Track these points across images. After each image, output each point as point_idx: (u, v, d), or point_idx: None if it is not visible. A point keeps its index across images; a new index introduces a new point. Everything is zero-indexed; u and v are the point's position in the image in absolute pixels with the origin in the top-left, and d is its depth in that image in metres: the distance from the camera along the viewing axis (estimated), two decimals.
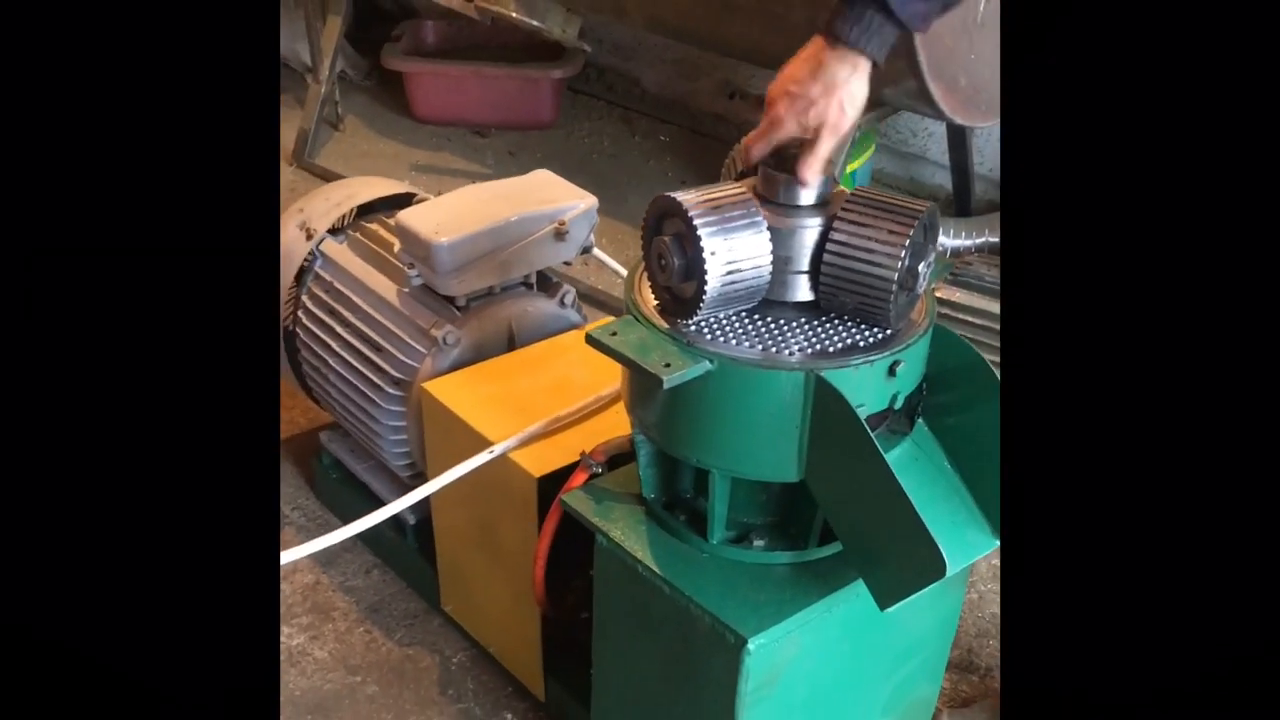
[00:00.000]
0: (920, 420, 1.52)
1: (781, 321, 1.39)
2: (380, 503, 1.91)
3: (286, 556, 1.77)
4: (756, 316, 1.40)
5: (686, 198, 1.33)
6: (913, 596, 1.32)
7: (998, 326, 2.57)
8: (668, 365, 1.32)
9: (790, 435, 1.36)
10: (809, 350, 1.35)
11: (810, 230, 1.36)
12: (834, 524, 1.42)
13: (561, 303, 2.16)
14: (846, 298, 1.36)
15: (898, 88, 2.84)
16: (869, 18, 1.35)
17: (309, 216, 2.31)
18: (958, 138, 3.57)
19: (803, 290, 1.40)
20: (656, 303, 1.42)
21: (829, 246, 1.35)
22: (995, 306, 2.60)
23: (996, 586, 2.42)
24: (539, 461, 1.79)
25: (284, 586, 2.31)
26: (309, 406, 2.61)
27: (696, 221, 1.30)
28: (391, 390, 2.08)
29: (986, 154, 3.81)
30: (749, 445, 1.39)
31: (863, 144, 3.40)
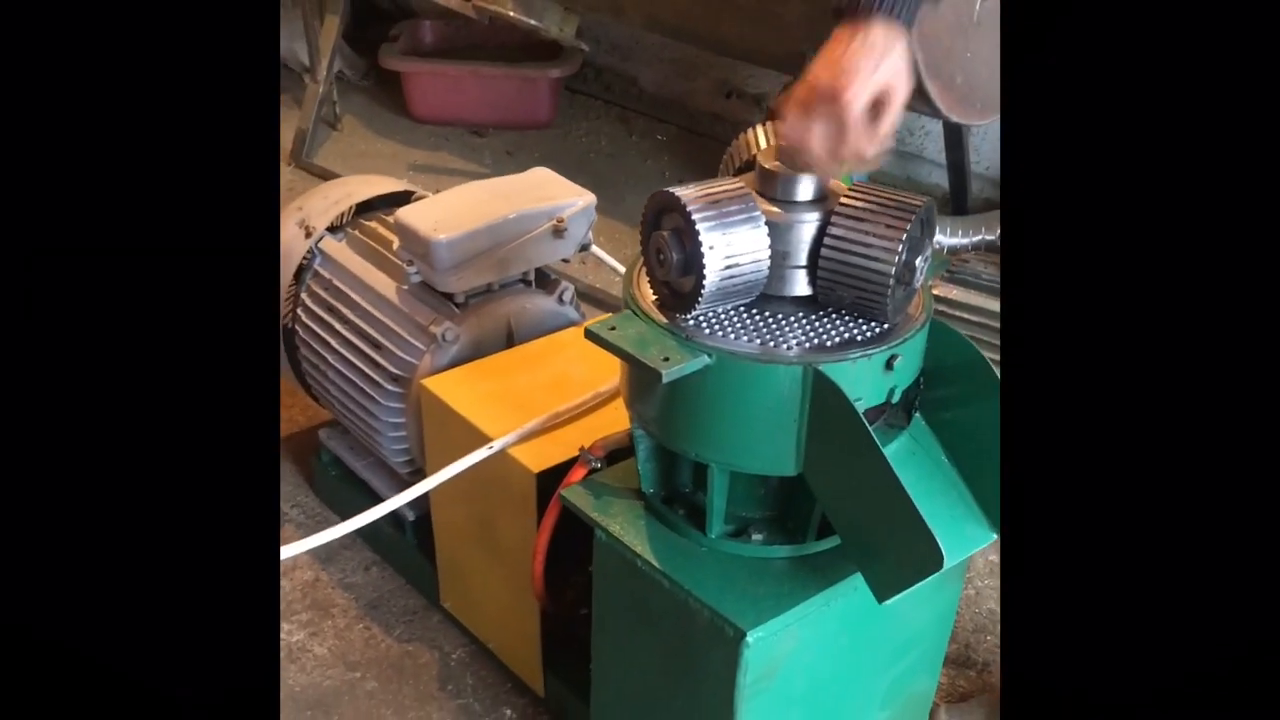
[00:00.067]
0: (918, 415, 1.52)
1: (779, 316, 1.40)
2: (379, 499, 1.91)
3: (285, 552, 1.77)
4: (754, 311, 1.41)
5: (685, 193, 1.34)
6: (910, 589, 1.33)
7: (995, 324, 2.59)
8: (666, 359, 1.33)
9: (788, 429, 1.37)
10: (807, 344, 1.36)
11: (808, 225, 1.37)
12: (832, 517, 1.42)
13: (560, 300, 2.17)
14: (844, 292, 1.37)
15: None
16: None
17: (308, 215, 2.31)
18: (954, 136, 3.58)
19: (801, 285, 1.40)
20: (655, 297, 1.43)
21: (827, 241, 1.36)
22: (992, 304, 2.62)
23: (994, 582, 2.43)
24: (538, 457, 1.79)
25: (283, 583, 2.32)
26: (308, 404, 2.62)
27: (695, 216, 1.31)
28: (390, 387, 2.08)
29: (983, 152, 3.82)
30: (747, 439, 1.39)
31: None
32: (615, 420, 1.80)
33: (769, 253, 1.35)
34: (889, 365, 1.37)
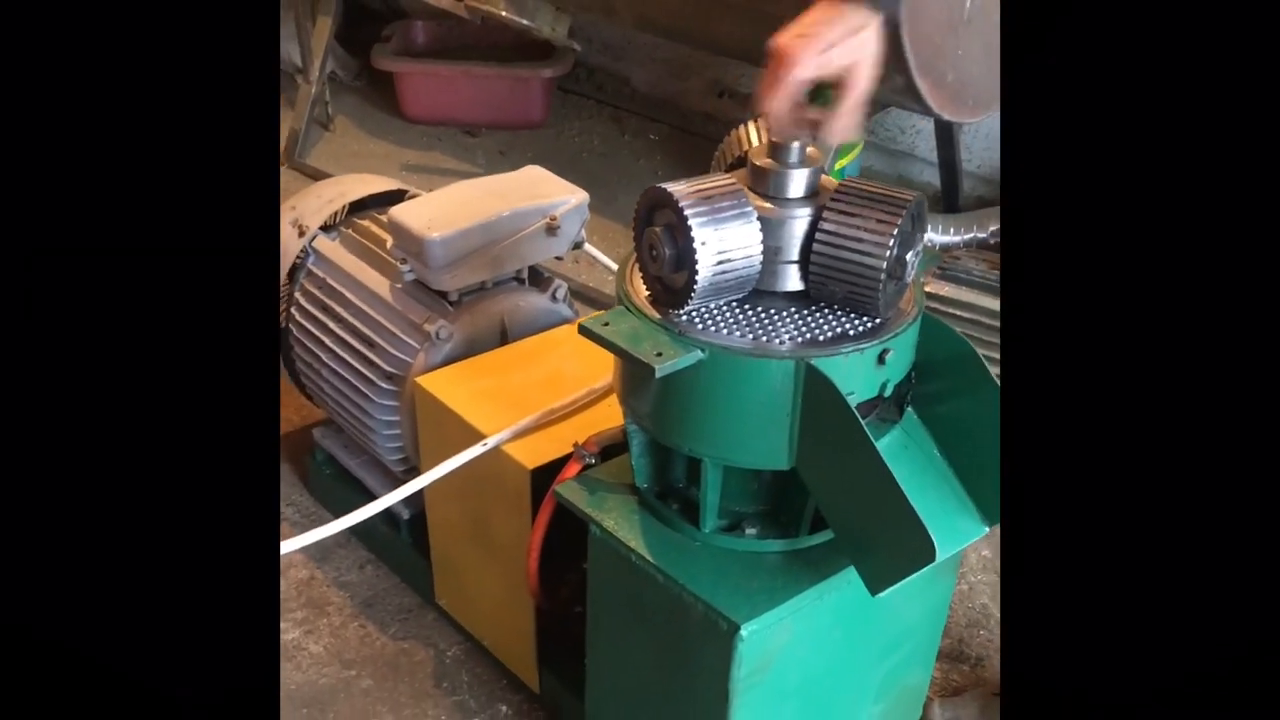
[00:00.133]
0: (910, 409, 1.53)
1: (772, 311, 1.41)
2: (374, 498, 1.92)
3: (280, 550, 1.78)
4: (747, 306, 1.41)
5: (677, 189, 1.34)
6: (903, 582, 1.34)
7: (987, 320, 2.60)
8: (659, 354, 1.34)
9: (781, 423, 1.37)
10: (799, 339, 1.37)
11: (800, 220, 1.38)
12: (825, 511, 1.43)
13: (553, 297, 2.18)
14: (836, 287, 1.38)
15: (886, 84, 2.85)
16: None
17: (301, 214, 2.32)
18: (945, 134, 3.59)
19: (793, 280, 1.41)
20: (648, 293, 1.43)
21: (818, 236, 1.36)
22: (984, 300, 2.63)
23: (987, 577, 2.44)
24: (532, 454, 1.80)
25: None
26: (302, 403, 2.62)
27: (687, 212, 1.32)
28: (385, 385, 2.09)
29: (974, 150, 3.83)
30: (740, 434, 1.40)
31: (851, 142, 3.42)
32: (609, 417, 1.81)
33: (761, 248, 1.36)
34: (881, 359, 1.38)
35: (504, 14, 3.60)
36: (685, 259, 1.34)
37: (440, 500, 2.07)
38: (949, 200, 3.75)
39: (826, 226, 1.36)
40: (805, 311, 1.41)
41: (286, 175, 4.03)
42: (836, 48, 1.33)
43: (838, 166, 3.33)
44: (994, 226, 3.45)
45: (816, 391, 1.33)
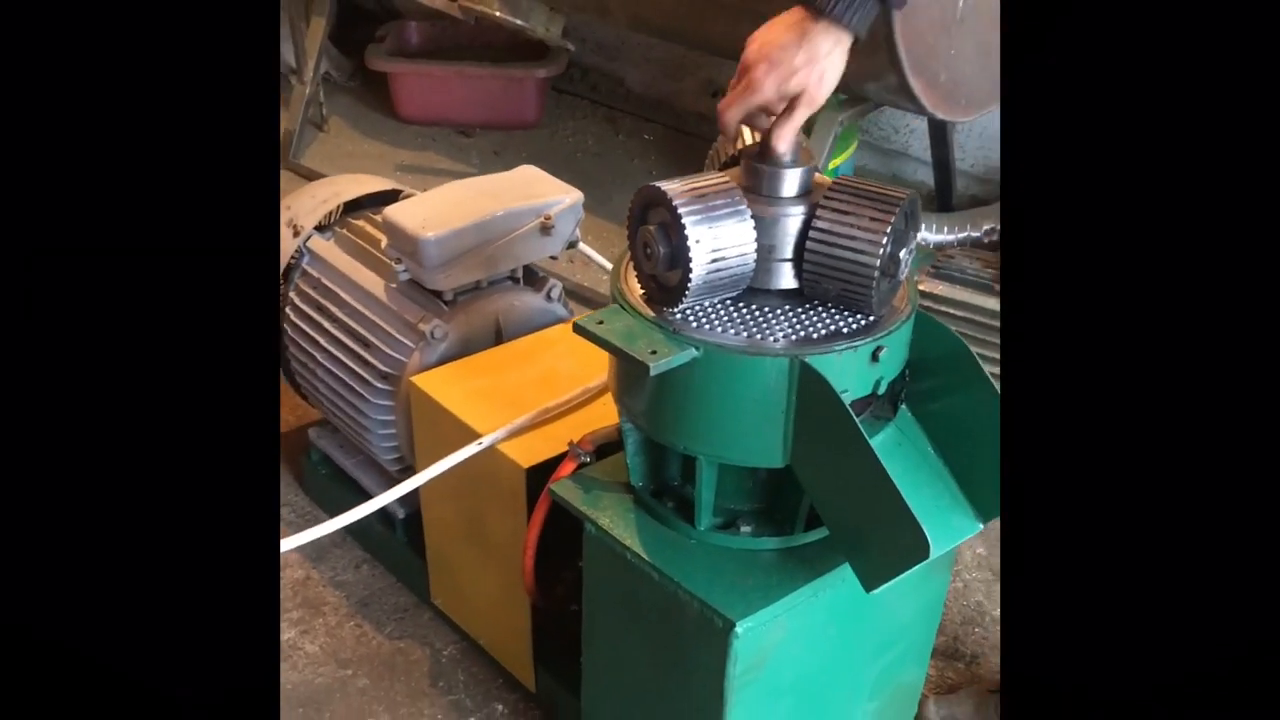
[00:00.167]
0: (904, 406, 1.54)
1: (766, 309, 1.41)
2: (369, 498, 1.92)
3: None
4: (741, 304, 1.42)
5: (671, 187, 1.35)
6: (898, 579, 1.34)
7: (981, 319, 2.60)
8: (654, 352, 1.34)
9: (776, 421, 1.38)
10: (793, 337, 1.37)
11: (793, 218, 1.38)
12: (819, 508, 1.43)
13: (548, 297, 2.18)
14: (830, 284, 1.38)
15: (879, 83, 2.86)
16: None
17: (296, 214, 2.32)
18: (939, 133, 3.60)
19: (787, 278, 1.41)
20: (642, 291, 1.44)
21: (812, 234, 1.37)
22: (978, 299, 2.63)
23: (982, 575, 2.45)
24: (527, 452, 1.80)
25: None
26: (297, 403, 2.62)
27: (681, 210, 1.32)
28: (380, 385, 2.09)
29: (968, 149, 3.84)
30: (735, 431, 1.41)
31: (845, 140, 3.43)
32: (604, 416, 1.81)
33: (755, 246, 1.37)
34: (875, 357, 1.38)
35: (498, 14, 3.60)
36: (679, 257, 1.34)
37: (436, 499, 2.07)
38: (943, 199, 3.76)
39: (820, 224, 1.36)
40: (799, 309, 1.41)
41: (281, 176, 4.03)
42: (796, 75, 1.39)
43: (831, 166, 3.33)
44: (988, 225, 3.46)
45: (811, 389, 1.34)
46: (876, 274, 1.34)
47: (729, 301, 1.42)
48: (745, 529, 1.53)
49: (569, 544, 1.68)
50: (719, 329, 1.38)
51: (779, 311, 1.41)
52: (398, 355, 2.07)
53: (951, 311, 2.69)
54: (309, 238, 2.28)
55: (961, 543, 2.13)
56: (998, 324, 2.55)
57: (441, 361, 2.04)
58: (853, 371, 1.37)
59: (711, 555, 1.52)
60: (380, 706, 2.10)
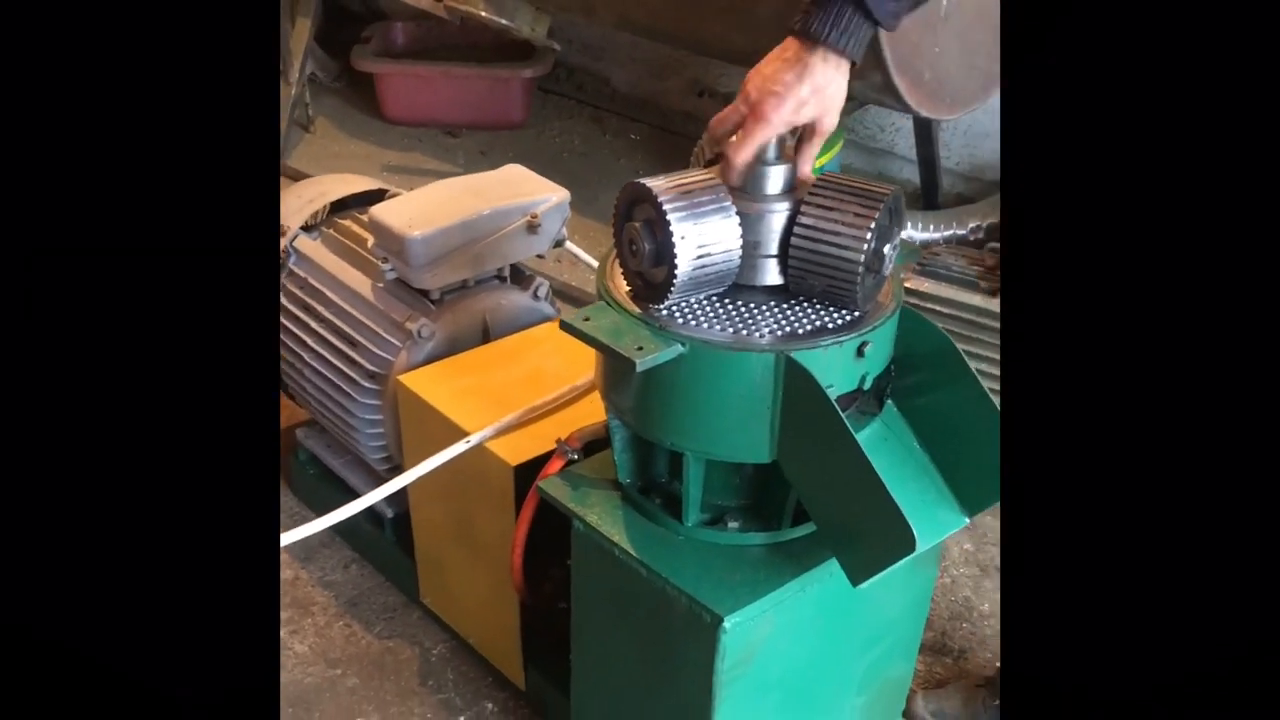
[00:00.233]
0: (889, 402, 1.54)
1: (752, 305, 1.42)
2: (358, 498, 1.92)
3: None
4: (727, 300, 1.42)
5: (656, 184, 1.35)
6: (884, 573, 1.35)
7: (967, 316, 2.61)
8: (640, 349, 1.34)
9: (762, 416, 1.38)
10: (779, 332, 1.38)
11: (778, 215, 1.39)
12: (806, 503, 1.44)
13: (535, 295, 2.18)
14: (815, 280, 1.39)
15: (864, 82, 2.87)
16: (847, 18, 1.36)
17: (282, 214, 2.32)
18: (924, 132, 3.61)
19: (772, 274, 1.42)
20: (628, 288, 1.44)
21: (797, 230, 1.37)
22: (963, 296, 2.64)
23: (970, 571, 2.46)
24: (515, 451, 1.80)
25: None
26: (285, 403, 2.62)
27: (666, 207, 1.33)
28: (367, 384, 2.09)
29: (953, 148, 3.85)
30: (722, 427, 1.41)
31: (831, 139, 3.43)
32: (591, 413, 1.82)
33: (740, 242, 1.37)
34: (860, 352, 1.39)
35: (483, 14, 3.61)
36: (665, 253, 1.35)
37: (424, 499, 2.07)
38: (928, 197, 3.77)
39: (805, 220, 1.37)
40: (785, 305, 1.42)
41: None
42: (805, 107, 1.40)
43: (817, 164, 3.34)
44: (974, 223, 3.47)
45: (796, 384, 1.34)
46: (861, 269, 1.35)
47: (715, 298, 1.42)
48: (733, 525, 1.53)
49: (557, 542, 1.69)
50: (705, 325, 1.38)
51: (764, 307, 1.41)
52: (385, 354, 2.07)
53: (937, 309, 2.70)
54: (295, 238, 2.28)
55: (948, 538, 2.14)
56: (984, 321, 2.57)
57: (429, 360, 2.04)
58: (838, 367, 1.38)
59: (699, 551, 1.52)
60: (370, 706, 2.10)
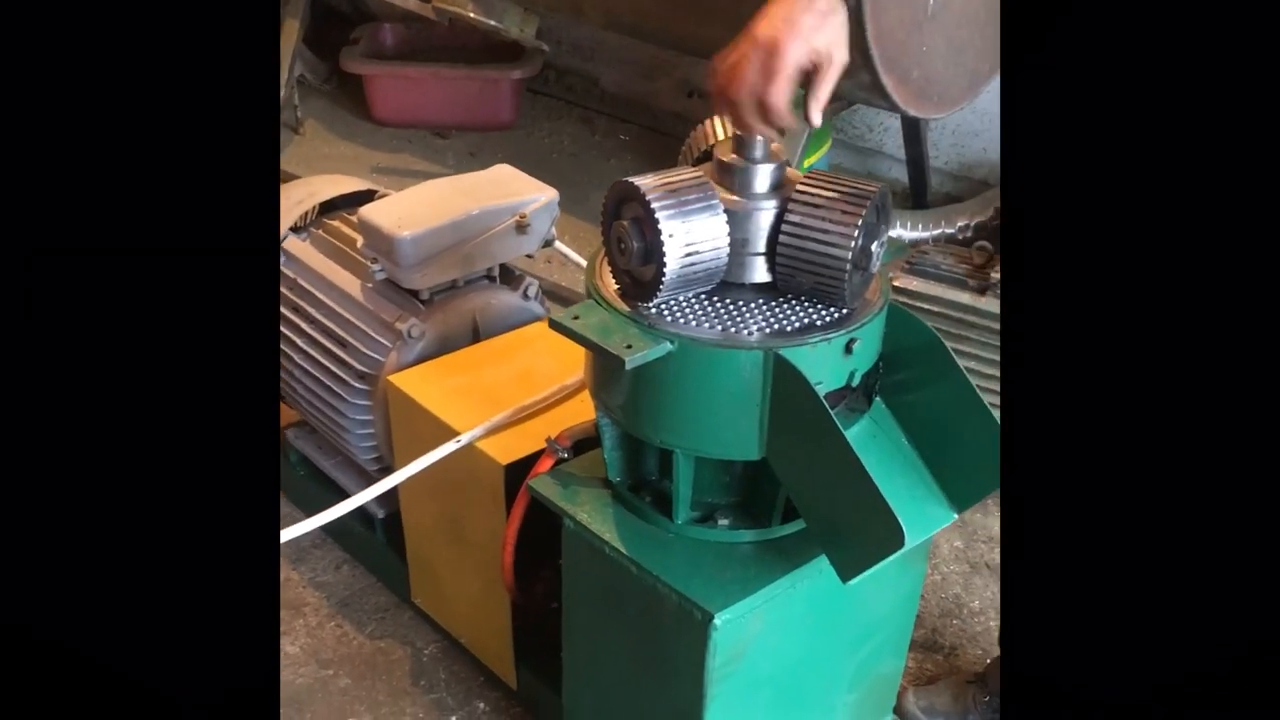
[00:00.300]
0: (878, 399, 1.55)
1: (740, 302, 1.42)
2: (349, 498, 1.92)
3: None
4: (715, 298, 1.43)
5: (644, 182, 1.36)
6: (874, 569, 1.35)
7: (956, 314, 2.62)
8: (629, 347, 1.35)
9: (751, 413, 1.39)
10: (767, 330, 1.38)
11: (766, 212, 1.39)
12: (796, 500, 1.45)
13: (525, 295, 2.19)
14: (803, 278, 1.39)
15: (852, 81, 2.88)
16: None
17: None
18: (913, 131, 3.62)
19: (760, 272, 1.43)
20: (617, 287, 1.44)
21: (784, 228, 1.38)
22: (952, 294, 2.64)
23: (960, 568, 2.47)
24: (505, 450, 1.81)
25: None
26: None
27: (654, 205, 1.33)
28: (357, 384, 2.09)
29: (942, 147, 3.86)
30: (711, 424, 1.42)
31: (819, 139, 3.44)
32: (582, 413, 1.82)
33: (728, 240, 1.38)
34: (848, 349, 1.39)
35: (471, 15, 3.60)
36: (653, 251, 1.35)
37: (415, 499, 2.07)
38: (917, 196, 3.78)
39: (792, 219, 1.38)
40: (773, 303, 1.43)
41: None
42: (820, 31, 1.35)
43: (806, 164, 3.35)
44: (962, 221, 3.48)
45: (785, 381, 1.35)
46: (849, 267, 1.36)
47: (703, 295, 1.43)
48: (723, 522, 1.54)
49: (548, 542, 1.69)
50: (693, 323, 1.39)
51: (753, 305, 1.42)
52: (375, 355, 2.07)
53: (926, 307, 2.70)
54: (285, 239, 2.28)
55: (938, 535, 2.14)
56: (972, 319, 2.57)
57: (419, 360, 2.04)
58: (827, 364, 1.38)
59: (690, 548, 1.53)
60: (362, 706, 2.10)
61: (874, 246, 1.41)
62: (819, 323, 1.40)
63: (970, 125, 3.77)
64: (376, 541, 2.30)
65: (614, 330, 1.38)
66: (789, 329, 1.38)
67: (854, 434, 1.46)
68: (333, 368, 2.13)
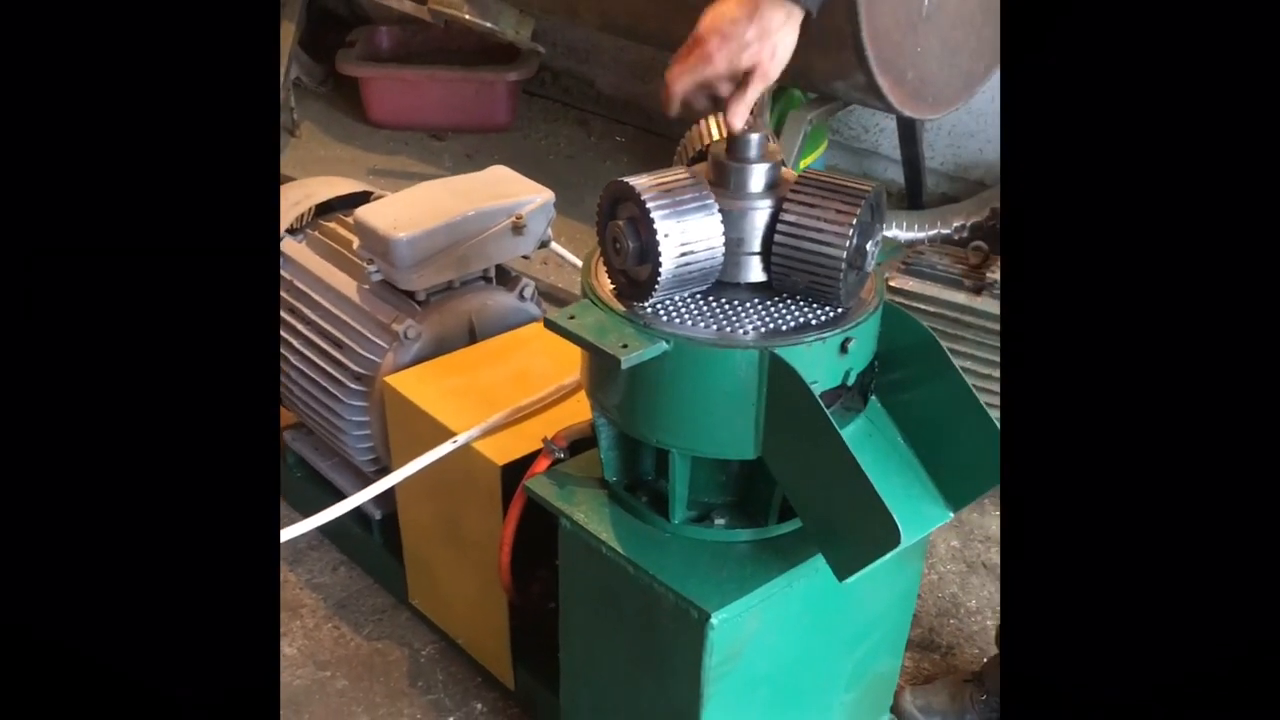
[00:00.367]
0: (874, 398, 1.55)
1: (735, 302, 1.42)
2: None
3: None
4: (711, 298, 1.43)
5: (639, 182, 1.36)
6: (870, 568, 1.35)
7: (951, 314, 2.62)
8: (625, 346, 1.35)
9: (747, 413, 1.39)
10: (763, 329, 1.38)
11: (761, 212, 1.40)
12: (792, 499, 1.45)
13: (521, 296, 2.19)
14: (798, 277, 1.40)
15: (847, 82, 2.89)
16: None
17: None
18: (908, 132, 3.63)
19: (755, 271, 1.43)
20: (613, 286, 1.45)
21: (779, 227, 1.38)
22: (948, 294, 2.65)
23: (956, 567, 2.47)
24: (502, 450, 1.81)
25: None
26: None
27: (649, 205, 1.33)
28: (354, 385, 2.09)
29: (937, 148, 3.87)
30: (707, 424, 1.42)
31: (815, 139, 3.45)
32: (578, 413, 1.82)
33: (723, 240, 1.38)
34: (843, 348, 1.40)
35: (467, 17, 3.61)
36: (649, 251, 1.35)
37: (411, 500, 2.07)
38: (913, 197, 3.79)
39: (787, 218, 1.38)
40: (768, 302, 1.43)
41: None
42: (748, 49, 1.41)
43: (802, 165, 3.36)
44: (958, 222, 3.49)
45: (781, 381, 1.35)
46: (844, 266, 1.36)
47: (699, 295, 1.43)
48: (719, 521, 1.54)
49: (545, 543, 1.69)
50: (689, 322, 1.39)
51: (748, 304, 1.42)
52: (371, 356, 2.07)
53: (922, 307, 2.71)
54: (281, 240, 2.28)
55: (935, 534, 2.15)
56: (968, 319, 2.58)
57: (415, 361, 2.05)
58: (822, 363, 1.38)
59: (686, 548, 1.53)
60: (359, 707, 2.10)
61: (869, 245, 1.41)
62: (814, 322, 1.40)
63: (966, 126, 3.78)
64: (374, 543, 2.31)
65: (610, 330, 1.38)
66: (784, 328, 1.39)
67: (849, 433, 1.46)
68: (329, 369, 2.13)
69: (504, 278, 2.21)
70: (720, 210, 1.37)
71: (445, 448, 1.83)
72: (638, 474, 1.60)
